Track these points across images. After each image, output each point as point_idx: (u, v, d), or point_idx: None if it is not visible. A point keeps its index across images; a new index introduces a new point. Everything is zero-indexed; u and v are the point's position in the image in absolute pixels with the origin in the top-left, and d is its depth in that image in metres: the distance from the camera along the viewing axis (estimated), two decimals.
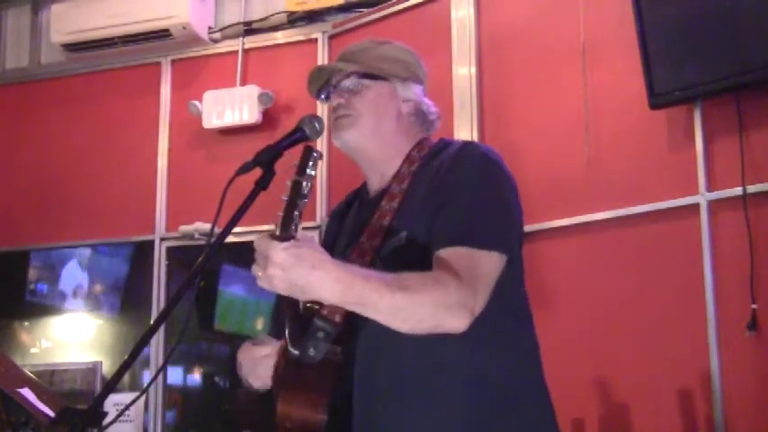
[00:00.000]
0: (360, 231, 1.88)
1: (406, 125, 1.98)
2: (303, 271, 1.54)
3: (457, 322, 1.66)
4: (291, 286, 1.56)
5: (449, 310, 1.65)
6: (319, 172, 4.32)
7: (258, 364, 1.92)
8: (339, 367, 1.75)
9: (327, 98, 2.02)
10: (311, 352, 1.71)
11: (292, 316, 1.79)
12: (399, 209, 1.86)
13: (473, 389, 1.77)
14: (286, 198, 1.60)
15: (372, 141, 1.95)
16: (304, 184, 1.61)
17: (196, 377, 4.70)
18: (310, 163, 1.63)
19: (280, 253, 1.53)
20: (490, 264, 1.74)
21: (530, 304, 1.92)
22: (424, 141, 1.99)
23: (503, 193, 1.85)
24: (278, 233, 1.57)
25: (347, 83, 1.96)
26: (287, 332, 1.79)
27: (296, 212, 1.58)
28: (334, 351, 1.74)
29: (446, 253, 1.73)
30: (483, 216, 1.78)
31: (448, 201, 1.79)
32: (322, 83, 2.02)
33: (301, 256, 1.54)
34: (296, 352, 1.73)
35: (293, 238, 1.56)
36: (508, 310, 1.84)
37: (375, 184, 1.99)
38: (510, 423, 1.78)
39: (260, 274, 1.56)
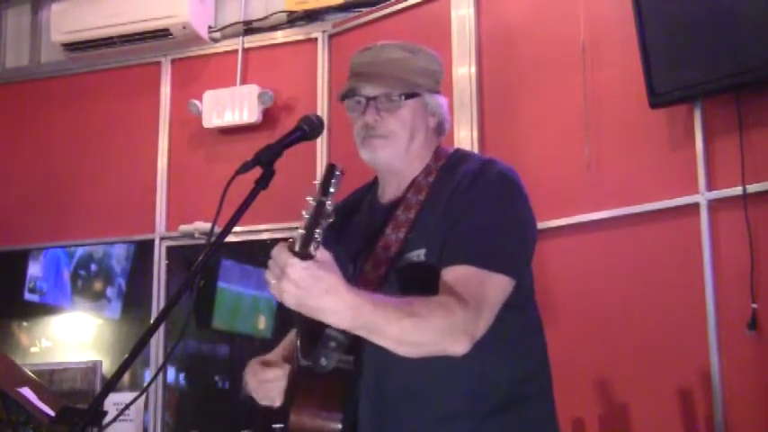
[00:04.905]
0: (374, 239, 1.88)
1: (430, 137, 1.97)
2: (317, 293, 1.53)
3: (458, 347, 1.68)
4: (301, 305, 1.56)
5: (452, 336, 1.67)
6: (319, 172, 4.31)
7: (264, 388, 1.89)
8: (350, 376, 1.75)
9: (344, 99, 1.96)
10: (323, 362, 1.70)
11: (303, 326, 1.77)
12: (416, 221, 1.85)
13: (483, 399, 1.79)
14: (308, 216, 1.55)
15: (403, 159, 1.93)
16: (327, 203, 1.57)
17: (196, 377, 4.69)
18: (333, 181, 1.59)
19: (298, 271, 1.51)
20: (497, 287, 1.75)
21: (540, 313, 1.94)
22: (440, 150, 1.98)
23: (517, 214, 1.85)
24: (297, 249, 1.54)
25: (384, 101, 1.90)
26: (298, 342, 1.78)
27: (318, 231, 1.55)
28: (347, 360, 1.73)
29: (454, 272, 1.74)
30: (494, 237, 1.78)
31: (461, 219, 1.79)
32: (354, 91, 1.94)
33: (318, 279, 1.53)
34: (307, 363, 1.72)
35: (312, 256, 1.54)
36: (520, 321, 1.86)
37: (390, 191, 1.97)
38: (511, 422, 1.81)
39: (273, 282, 1.55)
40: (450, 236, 1.78)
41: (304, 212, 1.56)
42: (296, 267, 1.51)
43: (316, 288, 1.53)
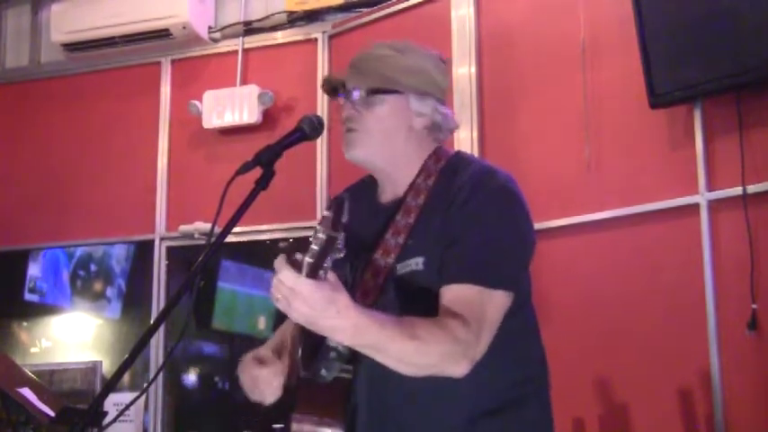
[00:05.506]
0: (373, 244, 1.87)
1: (417, 138, 1.93)
2: (329, 314, 1.54)
3: (458, 370, 1.70)
4: (311, 324, 1.57)
5: (452, 359, 1.69)
6: (319, 172, 4.33)
7: (258, 384, 1.88)
8: (351, 385, 1.76)
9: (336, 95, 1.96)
10: (323, 372, 1.71)
11: (303, 336, 1.77)
12: (415, 226, 1.84)
13: (483, 403, 1.80)
14: (317, 248, 1.53)
15: (381, 157, 1.91)
16: (339, 239, 1.54)
17: (196, 377, 4.70)
18: (343, 213, 1.56)
19: (312, 292, 1.52)
20: (497, 304, 1.76)
21: (537, 316, 1.94)
22: (440, 151, 1.95)
23: (518, 228, 1.84)
24: (304, 273, 1.52)
25: (360, 96, 1.89)
26: (299, 353, 1.78)
27: (327, 262, 1.54)
28: (347, 369, 1.74)
29: (454, 291, 1.74)
30: (494, 254, 1.78)
31: (461, 234, 1.78)
32: (336, 84, 1.95)
33: (332, 301, 1.54)
34: (308, 374, 1.72)
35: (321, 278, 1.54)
36: (518, 326, 1.85)
37: (388, 193, 1.95)
38: (510, 423, 1.82)
39: (279, 297, 1.54)
40: (449, 252, 1.77)
41: (313, 245, 1.53)
42: (309, 287, 1.51)
43: (328, 310, 1.54)
